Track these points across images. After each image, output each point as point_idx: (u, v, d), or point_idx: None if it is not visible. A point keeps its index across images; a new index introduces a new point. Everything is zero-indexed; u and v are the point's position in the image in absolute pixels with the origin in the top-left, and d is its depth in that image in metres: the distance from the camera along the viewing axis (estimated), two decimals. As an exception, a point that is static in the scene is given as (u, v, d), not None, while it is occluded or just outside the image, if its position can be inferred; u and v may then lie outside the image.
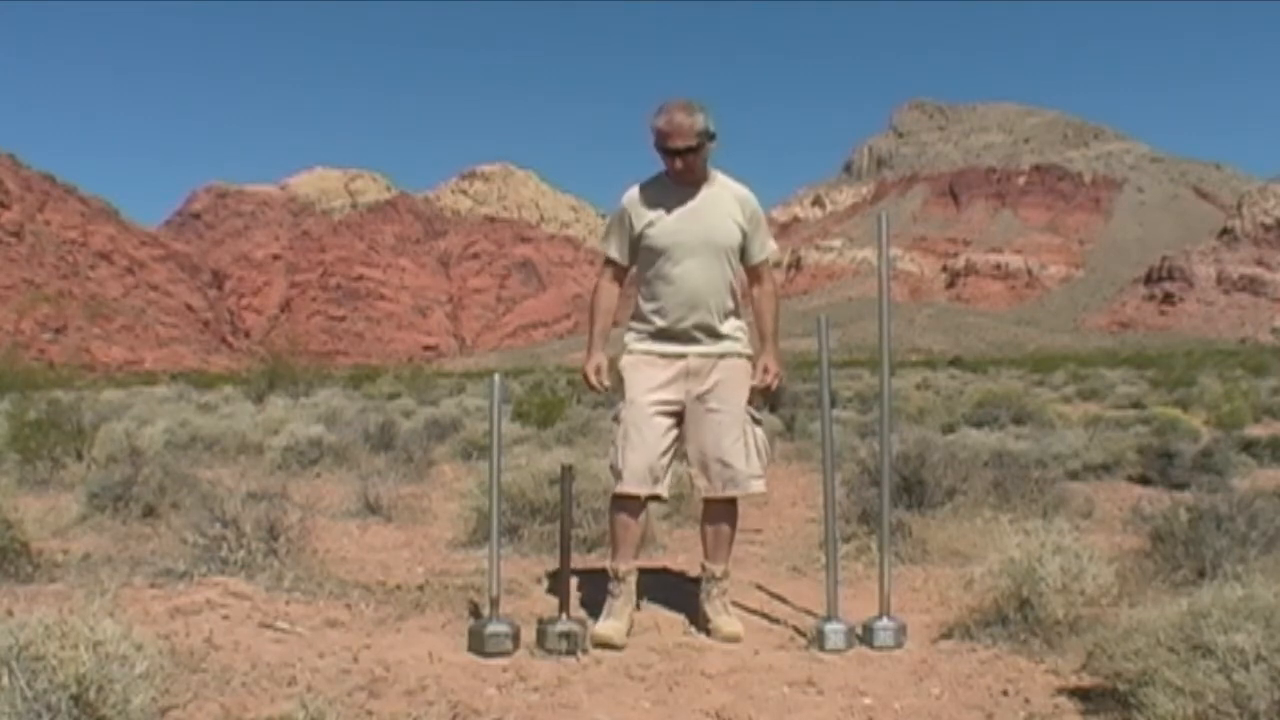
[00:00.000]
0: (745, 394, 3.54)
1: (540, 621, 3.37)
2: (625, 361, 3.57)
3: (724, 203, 3.56)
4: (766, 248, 3.66)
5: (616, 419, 3.52)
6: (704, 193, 3.55)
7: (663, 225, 3.51)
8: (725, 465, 3.47)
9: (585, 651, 3.24)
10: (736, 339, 3.60)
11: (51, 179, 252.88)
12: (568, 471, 3.44)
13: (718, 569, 3.58)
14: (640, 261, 3.59)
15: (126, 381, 43.04)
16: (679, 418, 3.50)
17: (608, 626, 3.39)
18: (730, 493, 3.52)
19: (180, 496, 5.57)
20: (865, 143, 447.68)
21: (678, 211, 3.52)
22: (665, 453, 3.47)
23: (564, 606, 3.33)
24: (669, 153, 3.45)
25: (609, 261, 3.66)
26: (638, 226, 3.54)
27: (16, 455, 7.47)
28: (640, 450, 3.41)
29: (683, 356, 3.51)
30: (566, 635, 3.24)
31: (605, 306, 3.65)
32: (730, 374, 3.54)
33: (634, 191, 3.60)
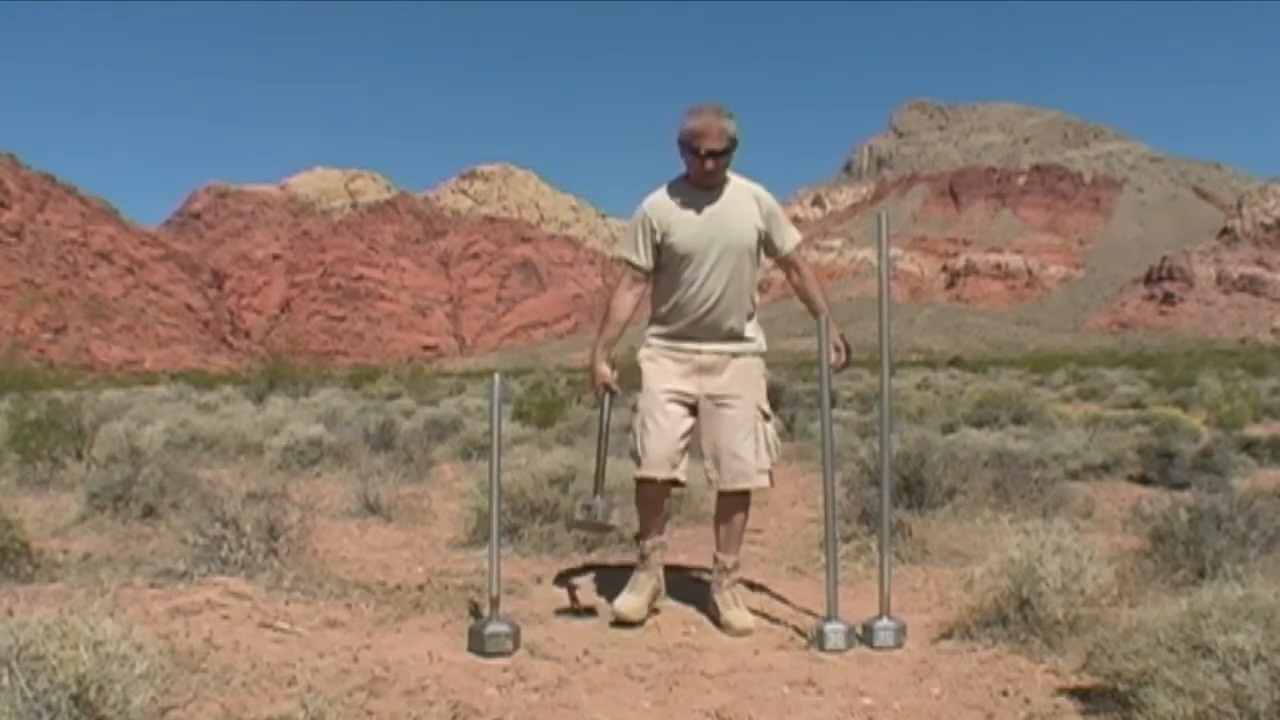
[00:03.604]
0: (757, 391, 3.63)
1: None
2: (643, 354, 3.66)
3: (742, 204, 3.59)
4: (790, 238, 3.72)
5: (634, 408, 3.63)
6: (724, 196, 3.57)
7: (685, 230, 3.53)
8: (736, 458, 3.56)
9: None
10: (750, 339, 3.68)
11: (51, 179, 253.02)
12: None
13: (729, 560, 3.66)
14: (662, 265, 3.61)
15: (126, 381, 42.97)
16: (693, 410, 3.59)
17: (627, 602, 3.49)
18: (740, 485, 3.60)
19: (180, 496, 5.56)
20: (865, 143, 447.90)
21: (700, 216, 3.54)
22: (681, 439, 3.57)
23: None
24: (700, 153, 3.45)
25: (629, 266, 3.62)
26: (661, 232, 3.55)
27: (16, 455, 7.46)
28: (657, 437, 3.51)
29: (698, 353, 3.59)
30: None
31: (622, 315, 3.64)
32: (743, 371, 3.62)
33: (655, 196, 3.60)
